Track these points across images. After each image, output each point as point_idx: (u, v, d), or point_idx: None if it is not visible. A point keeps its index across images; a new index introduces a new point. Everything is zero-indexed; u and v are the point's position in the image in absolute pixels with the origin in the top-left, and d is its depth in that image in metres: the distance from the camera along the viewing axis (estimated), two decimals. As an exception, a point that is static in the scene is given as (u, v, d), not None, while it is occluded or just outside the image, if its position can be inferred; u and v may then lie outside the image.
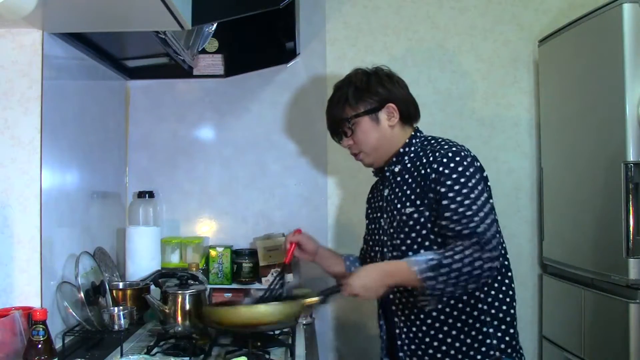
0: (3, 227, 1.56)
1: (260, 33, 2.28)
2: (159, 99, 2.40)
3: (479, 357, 1.47)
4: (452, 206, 1.42)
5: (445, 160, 1.47)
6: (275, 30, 2.25)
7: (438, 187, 1.45)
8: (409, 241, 1.51)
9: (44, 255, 1.58)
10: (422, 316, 1.52)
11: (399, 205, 1.54)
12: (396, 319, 1.58)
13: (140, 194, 2.28)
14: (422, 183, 1.50)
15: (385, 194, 1.62)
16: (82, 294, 1.63)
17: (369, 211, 1.75)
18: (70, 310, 1.62)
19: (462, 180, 1.44)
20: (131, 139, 2.38)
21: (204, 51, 2.27)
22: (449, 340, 1.49)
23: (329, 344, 2.39)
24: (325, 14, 2.43)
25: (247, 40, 2.34)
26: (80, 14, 1.49)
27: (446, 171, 1.45)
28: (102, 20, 1.54)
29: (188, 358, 1.56)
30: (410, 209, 1.51)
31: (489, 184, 1.54)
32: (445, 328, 1.50)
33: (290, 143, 2.41)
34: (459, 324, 1.49)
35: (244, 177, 2.40)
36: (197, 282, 1.86)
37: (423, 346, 1.52)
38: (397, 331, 1.58)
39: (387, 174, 1.62)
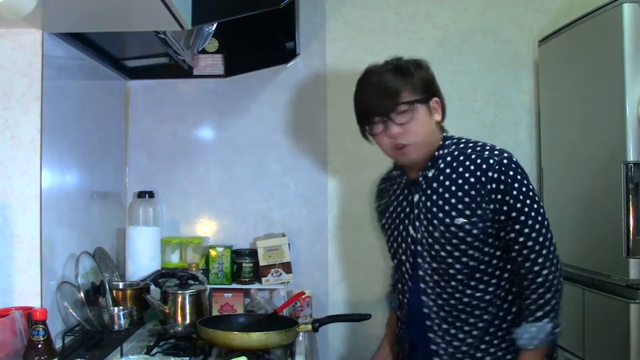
0: (3, 227, 1.56)
1: (260, 33, 2.28)
2: (159, 99, 2.40)
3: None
4: (527, 223, 1.39)
5: (503, 168, 1.40)
6: (275, 30, 2.25)
7: (500, 197, 1.39)
8: (457, 253, 1.44)
9: (44, 255, 1.58)
10: (458, 324, 1.47)
11: (440, 215, 1.44)
12: (431, 335, 1.49)
13: (140, 194, 2.28)
14: (473, 192, 1.41)
15: (416, 199, 1.50)
16: (82, 294, 1.63)
17: (387, 219, 1.61)
18: (70, 310, 1.62)
19: (526, 190, 1.39)
20: (131, 139, 2.38)
21: (204, 51, 2.27)
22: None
23: (329, 344, 2.39)
24: (325, 14, 2.42)
25: (247, 40, 2.34)
26: (80, 14, 1.49)
27: (509, 180, 1.39)
28: (102, 20, 1.54)
29: (188, 358, 1.56)
30: (462, 220, 1.41)
31: None
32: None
33: (290, 143, 2.41)
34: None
35: (244, 177, 2.40)
36: (197, 282, 1.86)
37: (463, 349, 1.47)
38: (434, 347, 1.49)
39: (420, 178, 1.51)
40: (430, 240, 1.47)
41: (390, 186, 1.65)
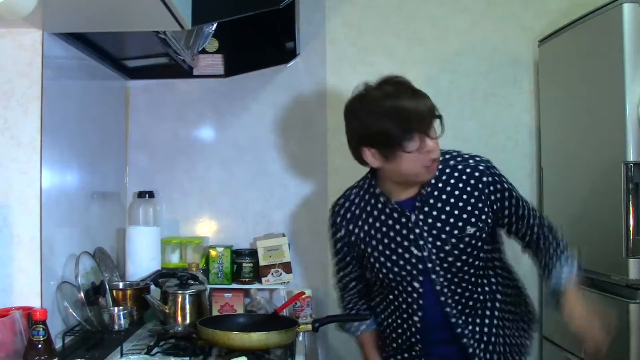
0: (3, 227, 1.56)
1: (260, 33, 2.28)
2: (159, 99, 2.40)
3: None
4: (519, 205, 1.54)
5: (493, 171, 1.53)
6: (275, 30, 2.25)
7: (498, 196, 1.52)
8: (471, 259, 1.51)
9: (44, 255, 1.58)
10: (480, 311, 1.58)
11: (447, 228, 1.48)
12: (459, 330, 1.54)
13: (140, 194, 2.28)
14: (473, 200, 1.49)
15: (413, 219, 1.50)
16: (82, 294, 1.63)
17: (373, 247, 1.57)
18: (70, 310, 1.62)
19: (507, 183, 1.54)
20: (131, 139, 2.38)
21: (204, 51, 2.27)
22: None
23: (329, 344, 2.39)
24: (325, 14, 2.42)
25: (247, 40, 2.34)
26: (80, 14, 1.49)
27: (501, 180, 1.53)
28: (102, 20, 1.54)
29: (188, 358, 1.56)
30: (473, 229, 1.49)
31: None
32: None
33: (290, 143, 2.41)
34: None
35: (243, 177, 2.40)
36: (197, 282, 1.86)
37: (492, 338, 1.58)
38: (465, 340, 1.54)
39: (418, 198, 1.51)
40: (441, 254, 1.50)
41: (360, 213, 1.60)
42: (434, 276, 1.52)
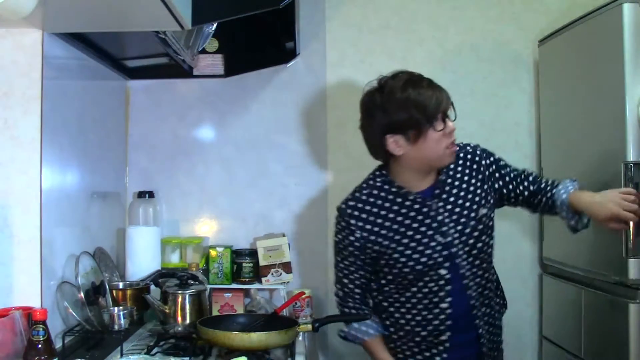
0: (3, 227, 1.56)
1: (260, 33, 2.28)
2: (159, 99, 2.40)
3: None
4: (510, 167, 1.68)
5: (485, 153, 1.66)
6: (275, 30, 2.25)
7: (497, 175, 1.64)
8: (486, 238, 1.60)
9: (44, 255, 1.58)
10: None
11: (465, 212, 1.57)
12: (477, 321, 1.61)
13: (140, 194, 2.28)
14: (479, 183, 1.61)
15: (435, 208, 1.56)
16: (82, 294, 1.63)
17: (397, 241, 1.57)
18: (70, 310, 1.62)
19: (497, 156, 1.69)
20: (131, 139, 2.38)
21: (204, 51, 2.27)
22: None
23: (329, 344, 2.39)
24: (325, 14, 2.42)
25: (247, 40, 2.34)
26: (80, 14, 1.49)
27: (494, 159, 1.66)
28: (102, 20, 1.54)
29: (188, 358, 1.56)
30: (485, 209, 1.59)
31: None
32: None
33: (290, 143, 2.41)
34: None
35: (244, 177, 2.40)
36: (197, 282, 1.86)
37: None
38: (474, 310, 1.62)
39: (437, 185, 1.59)
40: (464, 238, 1.56)
41: (378, 211, 1.59)
42: (458, 260, 1.56)
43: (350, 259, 1.63)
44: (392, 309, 1.65)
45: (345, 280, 1.67)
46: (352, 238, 1.60)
